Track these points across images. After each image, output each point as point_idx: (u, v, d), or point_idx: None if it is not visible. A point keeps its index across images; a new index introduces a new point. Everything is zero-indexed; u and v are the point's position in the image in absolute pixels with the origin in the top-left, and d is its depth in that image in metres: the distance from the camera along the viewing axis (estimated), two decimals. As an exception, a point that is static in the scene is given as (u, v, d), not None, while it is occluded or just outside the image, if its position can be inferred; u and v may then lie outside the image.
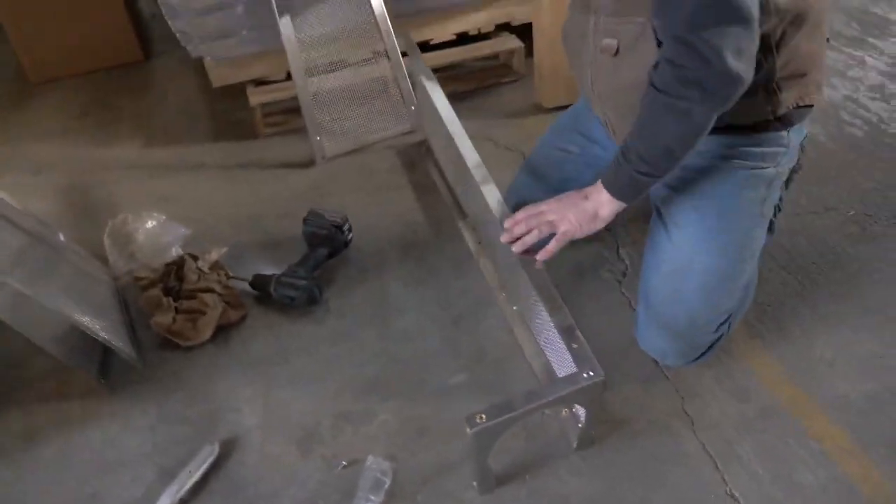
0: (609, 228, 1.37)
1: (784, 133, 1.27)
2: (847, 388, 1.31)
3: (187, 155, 2.15)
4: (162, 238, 1.71)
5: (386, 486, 1.19)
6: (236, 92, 2.22)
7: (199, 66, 2.58)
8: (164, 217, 1.77)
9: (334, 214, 1.72)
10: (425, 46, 2.29)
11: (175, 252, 1.69)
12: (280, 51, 2.02)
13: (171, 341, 1.50)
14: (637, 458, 1.22)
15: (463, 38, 2.36)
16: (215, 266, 1.65)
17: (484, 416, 1.05)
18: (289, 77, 2.16)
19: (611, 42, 1.21)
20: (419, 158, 2.05)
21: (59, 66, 2.62)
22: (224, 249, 1.70)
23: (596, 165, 1.39)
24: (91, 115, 2.41)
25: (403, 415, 1.32)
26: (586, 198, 1.26)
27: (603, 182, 1.23)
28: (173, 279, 1.61)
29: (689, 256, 1.27)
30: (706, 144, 1.20)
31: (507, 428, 1.08)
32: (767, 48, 1.13)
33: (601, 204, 1.23)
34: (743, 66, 1.04)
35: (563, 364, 1.19)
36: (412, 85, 2.05)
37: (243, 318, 1.57)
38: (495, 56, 2.42)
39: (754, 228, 1.30)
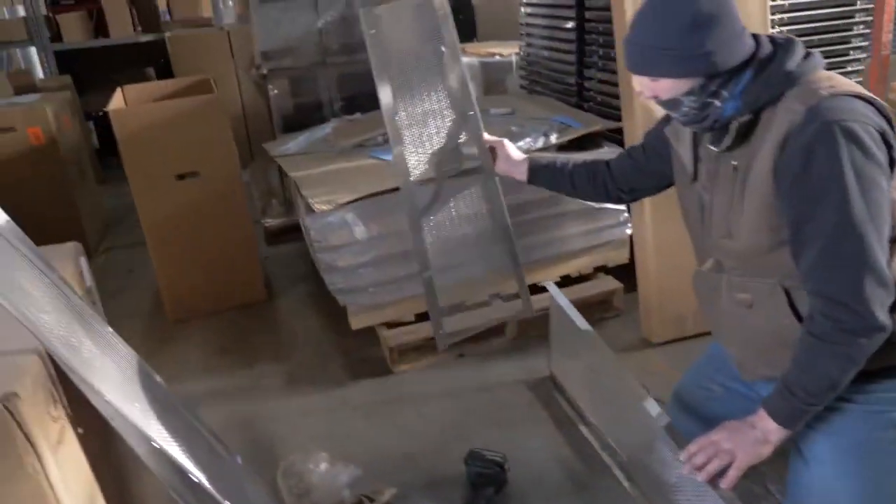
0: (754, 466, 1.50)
1: None
2: None
3: (330, 392, 2.34)
4: (336, 480, 1.83)
5: None
6: (363, 331, 2.47)
7: (319, 305, 2.89)
8: (330, 458, 1.91)
9: (494, 453, 1.86)
10: (533, 288, 2.59)
11: (348, 494, 1.81)
12: (410, 297, 2.34)
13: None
14: None
15: (566, 279, 2.67)
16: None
17: None
18: (418, 318, 2.44)
19: (745, 297, 1.42)
20: (549, 392, 2.23)
21: (195, 305, 2.92)
22: (394, 490, 1.82)
23: (740, 402, 1.54)
24: (230, 353, 2.65)
25: None
26: (754, 427, 1.37)
27: (769, 412, 1.35)
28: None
29: (831, 493, 1.36)
30: (858, 400, 1.36)
31: None
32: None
33: (769, 432, 1.34)
34: (886, 318, 1.23)
35: None
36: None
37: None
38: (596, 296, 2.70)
39: (892, 471, 1.38)
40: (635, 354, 2.43)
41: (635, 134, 2.26)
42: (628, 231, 2.66)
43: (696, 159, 1.44)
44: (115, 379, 1.18)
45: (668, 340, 2.44)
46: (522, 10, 3.49)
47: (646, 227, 2.37)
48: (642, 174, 1.68)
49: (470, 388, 2.30)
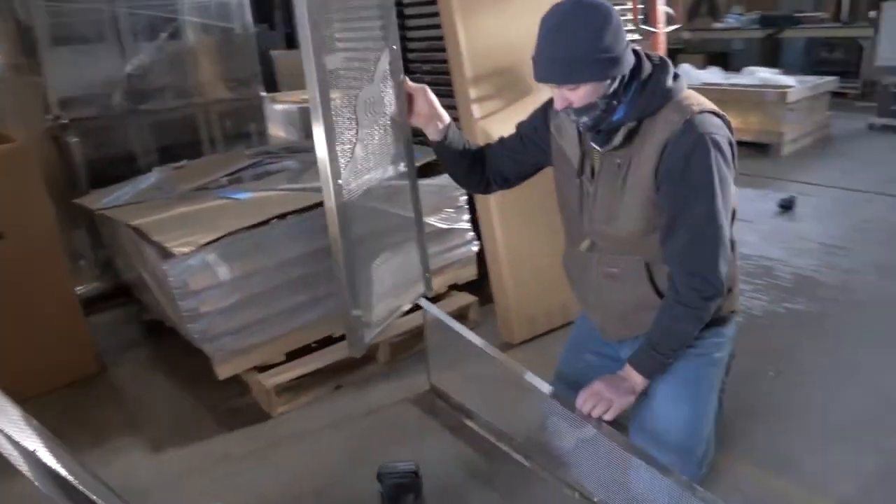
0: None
1: (724, 328, 1.76)
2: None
3: (206, 448, 2.17)
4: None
5: None
6: (225, 383, 2.34)
7: (167, 366, 2.68)
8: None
9: (405, 463, 1.89)
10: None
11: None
12: (280, 336, 2.32)
13: None
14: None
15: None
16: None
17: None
18: (288, 357, 2.39)
19: (614, 271, 1.71)
20: (433, 403, 2.30)
21: (17, 389, 2.50)
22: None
23: (612, 365, 1.80)
24: (69, 434, 2.32)
25: None
26: (624, 379, 1.67)
27: (636, 368, 1.65)
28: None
29: (667, 416, 1.69)
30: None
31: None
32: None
33: (636, 383, 1.66)
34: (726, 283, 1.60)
35: None
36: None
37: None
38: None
39: (711, 397, 1.76)
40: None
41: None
42: (475, 248, 2.87)
43: (583, 156, 1.67)
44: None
45: (524, 340, 2.65)
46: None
47: (496, 240, 2.60)
48: (516, 164, 1.87)
49: (356, 415, 2.29)
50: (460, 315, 2.85)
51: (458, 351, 2.60)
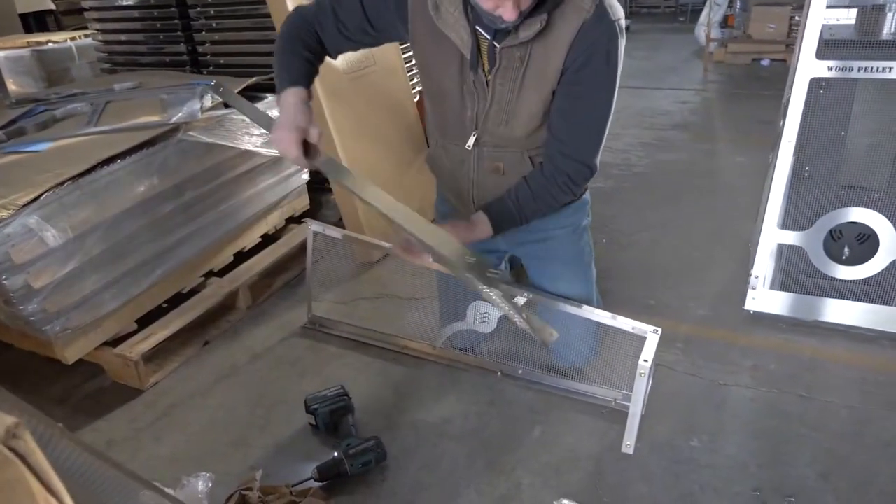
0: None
1: (586, 196, 1.94)
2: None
3: (93, 438, 1.83)
4: (194, 495, 1.54)
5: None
6: (63, 372, 2.05)
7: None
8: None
9: (330, 388, 1.83)
10: (240, 255, 2.50)
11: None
12: (133, 300, 2.06)
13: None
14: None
15: (266, 238, 2.63)
16: (268, 489, 1.58)
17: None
18: (140, 324, 2.11)
19: (498, 165, 1.73)
20: (321, 331, 2.23)
21: None
22: (259, 471, 1.62)
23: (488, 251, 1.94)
24: None
25: None
26: (474, 226, 1.64)
27: (492, 220, 1.63)
28: (247, 519, 1.49)
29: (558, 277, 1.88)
30: (559, 224, 1.84)
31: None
32: None
33: (483, 232, 1.64)
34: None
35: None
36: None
37: (336, 508, 1.56)
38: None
39: (591, 260, 1.97)
40: (366, 271, 2.60)
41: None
42: (305, 177, 2.76)
43: (477, 48, 1.54)
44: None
45: (382, 257, 2.67)
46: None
47: (338, 157, 2.53)
48: (355, 45, 1.68)
49: (241, 363, 2.12)
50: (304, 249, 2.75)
51: (337, 273, 2.55)
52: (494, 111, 1.61)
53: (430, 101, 1.77)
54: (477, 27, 1.52)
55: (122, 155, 2.01)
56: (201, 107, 2.33)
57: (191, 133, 2.22)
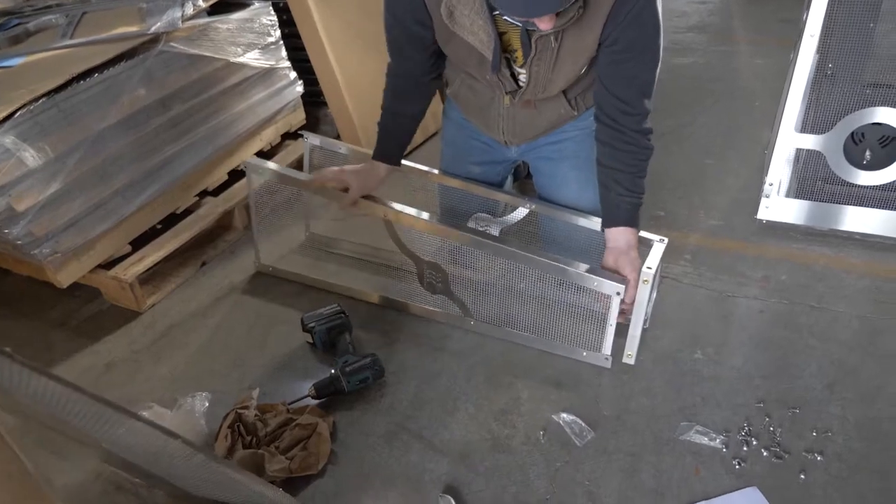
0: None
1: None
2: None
3: (84, 366, 1.84)
4: (192, 414, 1.54)
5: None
6: (61, 297, 2.03)
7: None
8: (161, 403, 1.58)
9: (327, 307, 1.79)
10: (235, 173, 2.42)
11: (204, 424, 1.54)
12: (124, 220, 2.01)
13: (294, 482, 1.42)
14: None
15: (260, 156, 2.54)
16: (265, 407, 1.57)
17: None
18: (133, 245, 2.07)
19: (531, 101, 1.62)
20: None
21: None
22: (256, 389, 1.61)
23: (497, 169, 1.90)
24: None
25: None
26: (630, 248, 1.54)
27: (630, 226, 1.55)
28: (246, 437, 1.49)
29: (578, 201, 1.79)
30: (575, 127, 1.73)
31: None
32: None
33: (635, 240, 1.56)
34: None
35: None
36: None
37: (334, 423, 1.56)
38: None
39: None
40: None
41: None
42: (299, 89, 2.64)
43: (502, 44, 1.45)
44: None
45: (384, 171, 2.58)
46: None
47: (333, 71, 2.43)
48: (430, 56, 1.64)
49: (239, 283, 2.08)
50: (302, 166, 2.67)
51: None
52: (531, 88, 1.56)
53: (450, 60, 1.67)
54: (506, 18, 1.39)
55: (98, 68, 1.91)
56: (182, 15, 2.20)
57: (172, 44, 2.10)
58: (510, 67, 1.54)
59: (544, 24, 1.28)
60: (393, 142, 1.79)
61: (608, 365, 1.61)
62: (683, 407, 1.50)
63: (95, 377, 1.79)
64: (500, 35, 1.43)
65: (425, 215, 1.75)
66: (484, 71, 1.54)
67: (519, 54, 1.50)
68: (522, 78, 1.55)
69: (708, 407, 1.50)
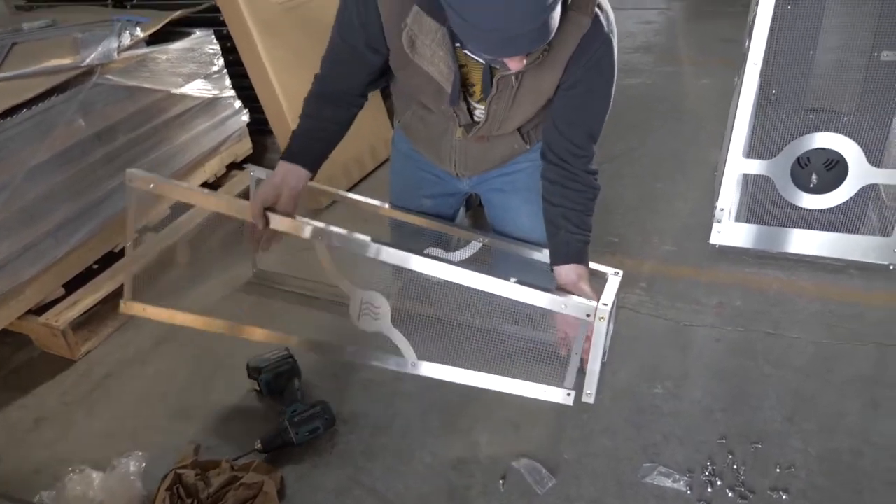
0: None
1: None
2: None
3: (13, 420, 1.72)
4: (126, 477, 1.43)
5: None
6: None
7: None
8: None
9: (273, 352, 1.71)
10: (179, 206, 2.32)
11: (141, 486, 1.44)
12: (54, 262, 1.88)
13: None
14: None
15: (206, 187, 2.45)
16: (208, 465, 1.48)
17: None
18: (67, 288, 1.95)
19: (484, 135, 1.58)
20: (266, 285, 2.10)
21: None
22: (196, 444, 1.52)
23: (449, 201, 1.85)
24: None
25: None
26: (583, 290, 1.47)
27: (580, 263, 1.50)
28: (186, 500, 1.39)
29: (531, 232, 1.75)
30: (527, 158, 1.70)
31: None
32: None
33: (584, 274, 1.50)
34: None
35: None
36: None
37: (282, 480, 1.47)
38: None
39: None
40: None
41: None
42: (245, 119, 2.56)
43: (463, 79, 1.42)
44: None
45: (329, 204, 2.51)
46: None
47: (279, 99, 2.35)
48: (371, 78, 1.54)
49: (181, 326, 1.98)
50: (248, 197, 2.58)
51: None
52: (487, 125, 1.51)
53: (403, 88, 1.59)
54: (467, 52, 1.35)
55: (28, 103, 1.80)
56: (119, 46, 2.11)
57: (108, 76, 2.01)
58: (466, 101, 1.50)
59: (514, 64, 1.23)
60: (313, 143, 1.51)
61: (570, 402, 1.55)
62: (645, 446, 1.47)
63: (23, 434, 1.67)
64: (460, 68, 1.40)
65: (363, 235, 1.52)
66: (439, 102, 1.48)
67: (476, 89, 1.46)
68: (478, 113, 1.51)
69: (670, 445, 1.47)
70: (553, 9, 1.11)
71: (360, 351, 1.56)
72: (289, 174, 1.45)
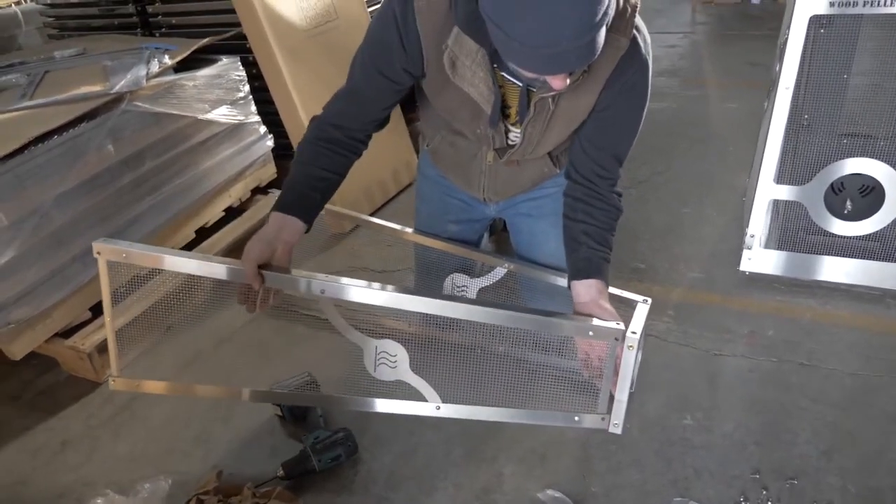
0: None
1: None
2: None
3: (36, 444, 1.72)
4: (154, 500, 1.42)
5: None
6: (14, 369, 1.92)
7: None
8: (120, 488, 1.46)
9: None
10: (203, 231, 2.34)
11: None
12: (80, 287, 1.90)
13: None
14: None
15: (229, 212, 2.47)
16: (230, 490, 1.47)
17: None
18: (94, 311, 1.96)
19: (515, 160, 1.58)
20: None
21: None
22: (219, 470, 1.51)
23: (474, 227, 1.85)
24: None
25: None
26: (604, 308, 1.41)
27: (604, 280, 1.45)
28: (207, 526, 1.38)
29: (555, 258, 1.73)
30: (555, 183, 1.69)
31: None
32: None
33: (605, 294, 1.45)
34: None
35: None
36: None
37: (303, 508, 1.45)
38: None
39: None
40: (334, 249, 2.45)
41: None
42: (270, 143, 2.58)
43: (503, 100, 1.40)
44: None
45: (353, 228, 2.52)
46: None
47: (302, 121, 2.36)
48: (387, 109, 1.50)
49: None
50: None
51: (308, 246, 2.41)
52: (521, 148, 1.50)
53: (434, 111, 1.55)
54: (504, 74, 1.34)
55: (58, 130, 1.84)
56: (147, 73, 2.15)
57: (136, 103, 2.04)
58: (503, 123, 1.49)
59: (558, 83, 1.19)
60: (309, 194, 1.41)
61: (606, 426, 1.48)
62: (675, 480, 1.42)
63: (49, 457, 1.67)
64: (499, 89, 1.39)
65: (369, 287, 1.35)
66: (475, 125, 1.47)
67: (512, 111, 1.45)
68: (513, 136, 1.50)
69: (701, 479, 1.42)
70: (601, 25, 1.08)
71: (383, 403, 1.44)
72: (283, 228, 1.35)
